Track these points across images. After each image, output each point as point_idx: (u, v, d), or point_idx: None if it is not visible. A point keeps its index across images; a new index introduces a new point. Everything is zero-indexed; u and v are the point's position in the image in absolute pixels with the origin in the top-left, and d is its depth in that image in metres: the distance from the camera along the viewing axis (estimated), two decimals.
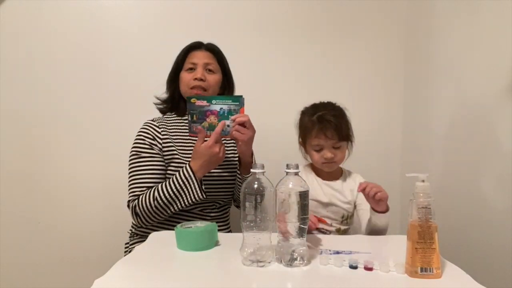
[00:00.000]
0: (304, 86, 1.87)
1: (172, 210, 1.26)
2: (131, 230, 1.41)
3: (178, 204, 1.25)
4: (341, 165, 1.39)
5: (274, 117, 1.83)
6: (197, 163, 1.24)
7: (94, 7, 1.79)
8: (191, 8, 1.83)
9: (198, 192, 1.24)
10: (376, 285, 0.82)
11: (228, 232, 1.42)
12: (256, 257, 0.90)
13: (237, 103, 1.24)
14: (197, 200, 1.25)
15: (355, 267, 0.89)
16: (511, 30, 1.19)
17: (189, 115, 1.28)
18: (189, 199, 1.24)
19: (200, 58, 1.39)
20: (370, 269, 0.88)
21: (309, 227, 1.10)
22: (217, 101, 1.25)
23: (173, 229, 1.06)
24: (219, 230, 1.12)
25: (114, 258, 0.99)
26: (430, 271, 0.83)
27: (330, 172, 1.34)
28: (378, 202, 1.14)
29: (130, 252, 1.21)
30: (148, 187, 1.28)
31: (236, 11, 1.85)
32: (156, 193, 1.24)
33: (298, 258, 0.90)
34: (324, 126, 1.26)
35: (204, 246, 1.02)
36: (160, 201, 1.23)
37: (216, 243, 1.06)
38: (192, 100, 1.27)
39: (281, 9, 1.86)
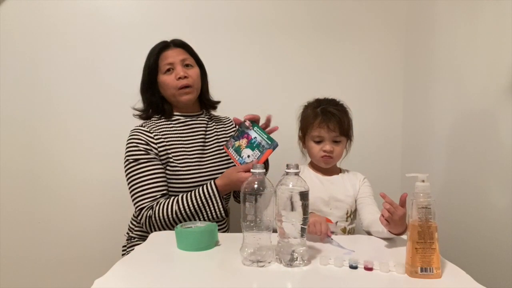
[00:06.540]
0: (304, 86, 1.87)
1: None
2: (128, 233, 1.40)
3: (199, 219, 1.25)
4: (339, 165, 1.39)
5: (274, 117, 1.82)
6: (223, 181, 1.24)
7: (94, 7, 1.78)
8: (188, 9, 1.82)
9: (221, 209, 1.24)
10: (376, 285, 0.82)
11: (226, 230, 1.41)
12: (256, 257, 0.90)
13: (270, 142, 1.21)
14: (218, 218, 1.25)
15: (355, 267, 0.89)
16: (511, 30, 1.19)
17: (237, 131, 1.31)
18: (209, 215, 1.24)
19: (174, 56, 1.34)
20: (370, 269, 0.88)
21: (321, 238, 1.08)
22: (257, 129, 1.25)
23: (173, 229, 1.06)
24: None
25: (114, 258, 0.99)
26: (430, 271, 0.83)
27: (329, 169, 1.35)
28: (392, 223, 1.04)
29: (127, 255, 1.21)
30: (158, 193, 1.25)
31: (236, 13, 1.84)
32: (175, 207, 1.22)
33: (298, 258, 0.90)
34: (327, 117, 1.28)
35: (204, 246, 1.02)
36: (179, 215, 1.22)
37: (216, 243, 1.06)
38: (247, 122, 1.27)
39: (280, 10, 1.86)
